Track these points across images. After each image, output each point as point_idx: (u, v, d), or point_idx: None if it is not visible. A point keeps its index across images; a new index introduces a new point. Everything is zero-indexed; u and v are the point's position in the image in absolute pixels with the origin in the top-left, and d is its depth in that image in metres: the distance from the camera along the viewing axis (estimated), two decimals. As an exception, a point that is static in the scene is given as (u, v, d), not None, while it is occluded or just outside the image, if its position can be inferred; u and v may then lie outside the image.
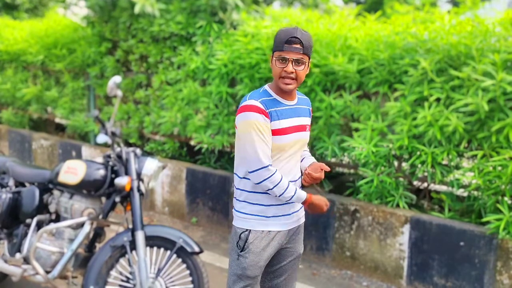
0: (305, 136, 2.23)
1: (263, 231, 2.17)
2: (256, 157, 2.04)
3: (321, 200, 2.20)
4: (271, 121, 2.07)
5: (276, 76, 2.06)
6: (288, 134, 2.12)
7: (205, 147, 4.89)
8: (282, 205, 2.18)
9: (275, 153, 2.12)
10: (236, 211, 2.23)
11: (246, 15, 4.74)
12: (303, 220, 2.34)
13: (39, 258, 2.96)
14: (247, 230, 2.18)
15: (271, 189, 2.08)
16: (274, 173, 2.07)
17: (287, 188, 2.10)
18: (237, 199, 2.23)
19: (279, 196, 2.11)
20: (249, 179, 2.15)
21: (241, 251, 2.18)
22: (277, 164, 2.13)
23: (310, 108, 2.30)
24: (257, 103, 2.05)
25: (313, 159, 2.35)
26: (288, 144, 2.13)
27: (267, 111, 2.06)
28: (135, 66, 5.28)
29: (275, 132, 2.09)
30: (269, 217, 2.17)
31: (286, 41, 2.01)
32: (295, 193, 2.11)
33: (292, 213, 2.23)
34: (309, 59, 2.08)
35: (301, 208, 2.29)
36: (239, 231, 2.19)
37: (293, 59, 2.02)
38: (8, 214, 3.08)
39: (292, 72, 2.03)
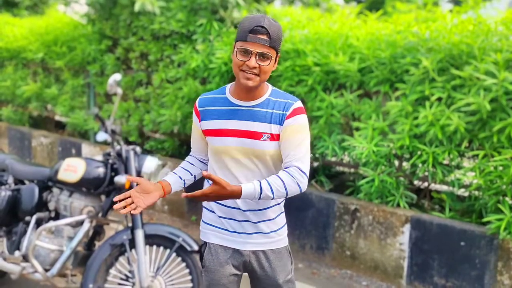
0: (254, 144, 1.81)
1: (220, 245, 1.92)
2: None
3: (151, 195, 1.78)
4: (201, 121, 1.91)
5: (236, 69, 1.74)
6: (221, 137, 1.83)
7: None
8: (233, 220, 1.90)
9: (214, 157, 1.90)
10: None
11: (247, 14, 4.73)
12: (280, 245, 1.95)
13: (38, 256, 2.95)
14: (205, 243, 1.97)
15: None
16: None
17: None
18: None
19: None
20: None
21: (203, 267, 1.97)
22: (220, 171, 1.88)
23: (286, 114, 1.80)
24: (198, 100, 1.94)
25: (271, 178, 1.77)
26: (222, 148, 1.84)
27: (199, 109, 1.91)
28: (135, 64, 5.26)
29: (206, 133, 1.90)
30: (227, 230, 1.91)
31: (251, 30, 1.68)
32: None
33: (242, 233, 1.90)
34: (277, 54, 1.76)
35: (276, 230, 1.95)
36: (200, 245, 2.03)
37: (257, 52, 1.69)
38: (7, 212, 3.07)
39: (255, 67, 1.70)
